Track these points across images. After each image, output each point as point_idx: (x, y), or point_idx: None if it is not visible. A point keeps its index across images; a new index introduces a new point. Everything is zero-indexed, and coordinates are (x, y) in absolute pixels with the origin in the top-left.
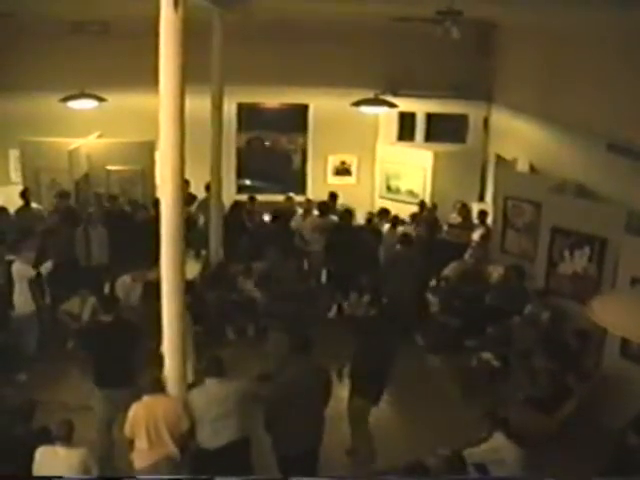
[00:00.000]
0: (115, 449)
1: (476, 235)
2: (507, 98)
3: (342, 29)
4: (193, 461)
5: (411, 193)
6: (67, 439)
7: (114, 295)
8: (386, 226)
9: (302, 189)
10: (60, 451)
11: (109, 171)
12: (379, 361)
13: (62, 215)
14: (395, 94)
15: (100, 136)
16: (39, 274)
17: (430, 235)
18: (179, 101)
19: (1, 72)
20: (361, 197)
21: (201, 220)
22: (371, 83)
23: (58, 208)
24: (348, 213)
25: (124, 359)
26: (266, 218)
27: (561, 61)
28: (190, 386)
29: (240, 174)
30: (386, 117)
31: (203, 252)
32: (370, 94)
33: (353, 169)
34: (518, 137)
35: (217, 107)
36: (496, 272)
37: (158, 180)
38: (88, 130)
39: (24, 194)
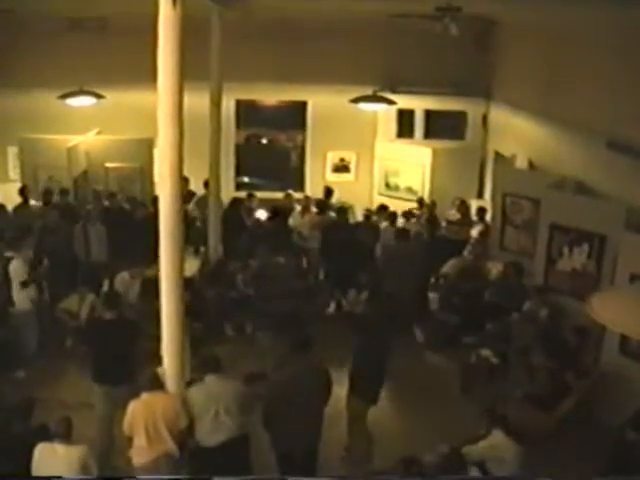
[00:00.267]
0: (115, 446)
1: (475, 232)
2: (506, 95)
3: (341, 26)
4: (192, 458)
5: (410, 190)
6: (66, 436)
7: (116, 292)
8: (384, 223)
9: (301, 186)
10: (59, 449)
11: (108, 168)
12: (378, 360)
13: (61, 212)
14: (394, 91)
15: (99, 133)
16: (36, 274)
17: (429, 232)
18: (178, 98)
19: None
20: (360, 194)
21: (200, 217)
22: (370, 80)
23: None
24: (344, 210)
25: (123, 356)
26: (261, 216)
27: (560, 58)
28: (189, 383)
29: (239, 171)
30: (385, 114)
31: (202, 249)
32: (369, 91)
33: (352, 166)
34: (517, 134)
35: (216, 104)
36: (495, 269)
37: (157, 177)
38: (87, 127)
39: (22, 191)
